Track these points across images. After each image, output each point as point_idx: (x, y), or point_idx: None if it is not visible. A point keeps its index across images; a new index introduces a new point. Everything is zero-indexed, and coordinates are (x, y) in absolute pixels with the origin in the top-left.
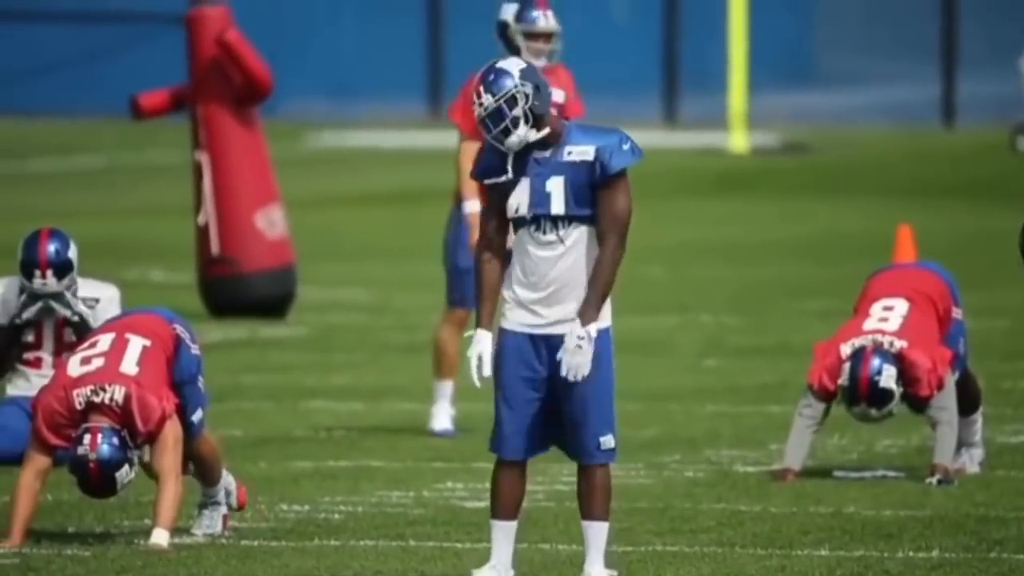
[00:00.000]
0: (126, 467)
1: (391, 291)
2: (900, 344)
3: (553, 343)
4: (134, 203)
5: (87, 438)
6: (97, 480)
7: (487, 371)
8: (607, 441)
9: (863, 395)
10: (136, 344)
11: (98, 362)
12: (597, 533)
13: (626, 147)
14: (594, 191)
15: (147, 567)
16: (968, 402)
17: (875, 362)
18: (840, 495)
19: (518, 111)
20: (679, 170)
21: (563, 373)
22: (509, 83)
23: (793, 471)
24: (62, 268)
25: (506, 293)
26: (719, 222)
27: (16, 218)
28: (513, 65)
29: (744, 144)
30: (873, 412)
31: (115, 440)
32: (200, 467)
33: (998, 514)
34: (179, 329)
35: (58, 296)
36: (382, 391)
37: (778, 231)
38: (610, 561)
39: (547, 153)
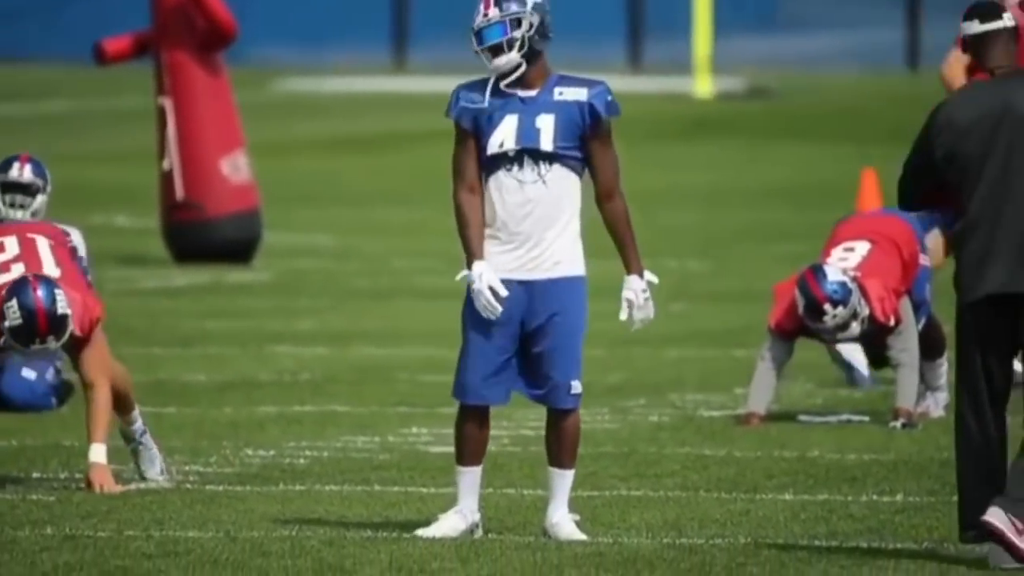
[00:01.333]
0: (62, 292)
1: (356, 236)
2: (854, 273)
3: (527, 287)
4: (98, 148)
5: (19, 283)
6: (42, 307)
7: (503, 291)
8: (576, 385)
9: (820, 298)
10: (43, 244)
11: (18, 267)
12: (564, 480)
13: (610, 99)
14: (582, 138)
15: (112, 512)
16: (933, 347)
17: (817, 270)
18: (804, 439)
19: (518, 34)
20: (644, 115)
21: (634, 328)
22: (517, 6)
23: (758, 415)
24: (39, 169)
25: (485, 239)
26: (684, 167)
27: None
28: None
29: (709, 89)
30: (841, 310)
31: (48, 278)
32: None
33: None
34: (73, 238)
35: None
36: (347, 336)
37: (744, 176)
38: (573, 506)
39: (532, 93)
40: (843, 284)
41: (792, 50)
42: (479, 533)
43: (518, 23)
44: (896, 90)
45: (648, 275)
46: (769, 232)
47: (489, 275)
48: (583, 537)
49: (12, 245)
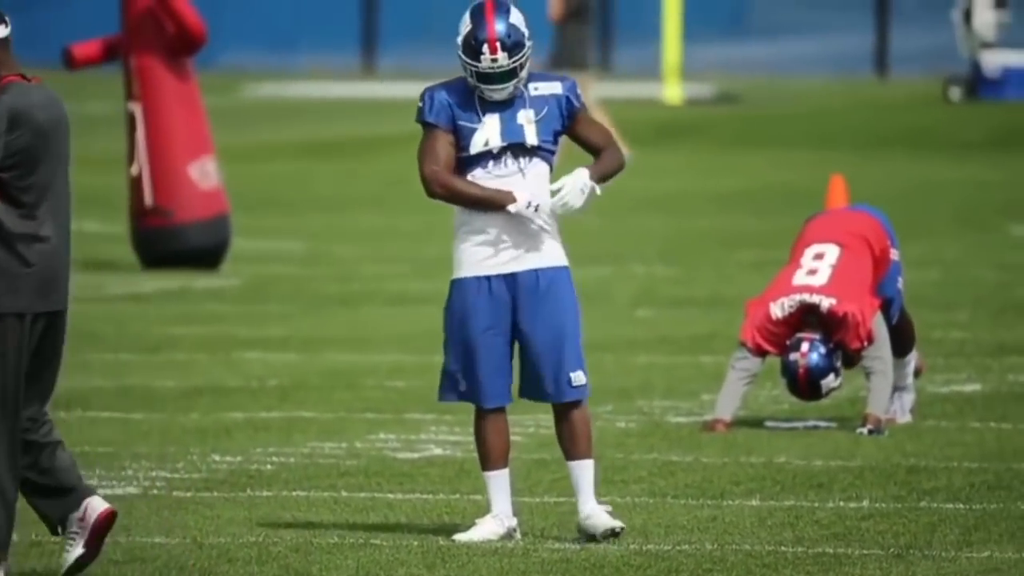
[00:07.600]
0: None
1: (325, 242)
2: (828, 303)
3: (513, 280)
4: None
5: None
6: None
7: (547, 207)
8: (578, 377)
9: (805, 395)
10: None
11: None
12: (584, 471)
13: (579, 91)
14: (563, 128)
15: None
16: (903, 343)
17: (813, 359)
18: (771, 445)
19: (524, 72)
20: (614, 121)
21: (554, 200)
22: (525, 43)
23: (724, 421)
24: None
25: (459, 241)
26: (653, 173)
27: None
28: (519, 19)
29: (678, 95)
30: (812, 403)
31: None
32: None
33: (928, 464)
34: None
35: None
36: (315, 342)
37: (712, 182)
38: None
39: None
40: (830, 390)
41: (761, 56)
42: (518, 537)
43: (525, 62)
44: (864, 96)
45: (597, 185)
46: (737, 238)
47: (536, 198)
48: (620, 524)
49: None
